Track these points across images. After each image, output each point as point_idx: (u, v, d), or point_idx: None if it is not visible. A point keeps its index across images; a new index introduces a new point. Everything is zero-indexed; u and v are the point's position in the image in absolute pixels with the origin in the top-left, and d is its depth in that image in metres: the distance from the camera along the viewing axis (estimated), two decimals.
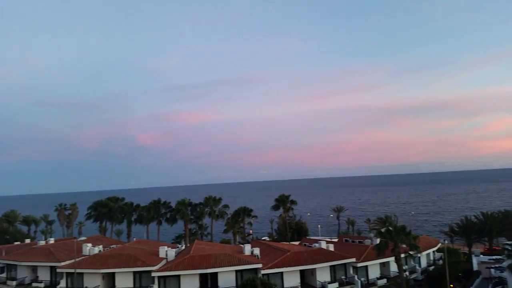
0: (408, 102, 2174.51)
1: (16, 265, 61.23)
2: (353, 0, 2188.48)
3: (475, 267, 66.89)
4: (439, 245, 69.97)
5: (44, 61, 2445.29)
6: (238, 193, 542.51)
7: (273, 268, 51.80)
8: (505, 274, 51.81)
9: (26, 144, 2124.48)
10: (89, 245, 63.55)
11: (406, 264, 59.00)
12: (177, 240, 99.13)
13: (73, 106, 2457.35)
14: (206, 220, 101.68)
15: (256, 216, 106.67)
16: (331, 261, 54.54)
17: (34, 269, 61.13)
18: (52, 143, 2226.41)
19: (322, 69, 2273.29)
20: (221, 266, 51.30)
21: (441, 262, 66.18)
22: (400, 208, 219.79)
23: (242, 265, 51.68)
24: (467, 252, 79.99)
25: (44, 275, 59.22)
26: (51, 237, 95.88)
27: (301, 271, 54.25)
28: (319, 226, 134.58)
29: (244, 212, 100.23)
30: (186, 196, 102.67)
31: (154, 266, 53.11)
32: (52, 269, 58.14)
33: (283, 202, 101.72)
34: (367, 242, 64.16)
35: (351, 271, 55.92)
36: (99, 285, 53.76)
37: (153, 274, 50.87)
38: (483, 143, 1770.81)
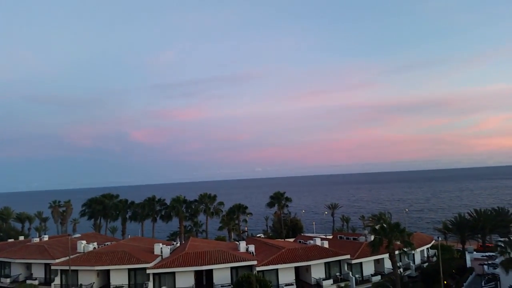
0: (403, 100, 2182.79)
1: (10, 262, 60.85)
2: None
3: (469, 263, 67.37)
4: (433, 242, 70.39)
5: (37, 57, 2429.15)
6: (233, 190, 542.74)
7: (268, 265, 51.93)
8: (498, 270, 52.21)
9: (19, 141, 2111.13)
10: (84, 242, 63.35)
11: (400, 261, 59.42)
12: (172, 237, 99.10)
13: (66, 102, 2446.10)
14: (201, 217, 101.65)
15: (251, 213, 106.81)
16: (326, 257, 54.78)
17: (28, 266, 60.81)
18: (46, 139, 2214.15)
19: (317, 66, 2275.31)
20: (216, 263, 51.37)
21: (435, 259, 66.66)
22: (394, 205, 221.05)
23: (237, 262, 51.78)
24: (461, 249, 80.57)
25: (39, 272, 58.90)
26: (45, 234, 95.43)
27: (296, 268, 54.43)
28: (313, 223, 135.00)
29: (239, 209, 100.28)
30: (181, 193, 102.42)
31: (149, 263, 53.06)
32: (47, 266, 57.84)
33: (278, 199, 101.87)
34: (362, 239, 64.51)
35: (346, 268, 56.20)
36: (93, 282, 53.69)
37: (148, 271, 50.86)
38: (477, 140, 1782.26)
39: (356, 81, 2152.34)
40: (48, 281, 56.87)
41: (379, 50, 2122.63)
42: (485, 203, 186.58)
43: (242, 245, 59.32)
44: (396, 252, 50.09)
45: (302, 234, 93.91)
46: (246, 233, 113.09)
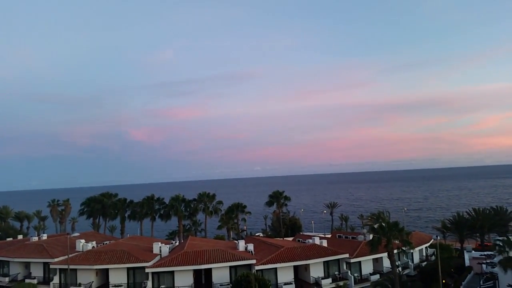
0: (402, 99, 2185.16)
1: (8, 261, 60.75)
2: None
3: (467, 262, 67.60)
4: (432, 241, 70.49)
5: (36, 56, 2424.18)
6: (232, 189, 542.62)
7: (267, 264, 51.96)
8: (496, 269, 52.35)
9: (17, 139, 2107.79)
10: (83, 241, 63.22)
11: (399, 260, 59.47)
12: (171, 236, 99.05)
13: (65, 101, 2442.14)
14: (200, 216, 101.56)
15: (250, 212, 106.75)
16: (325, 256, 54.84)
17: (27, 265, 60.73)
18: (44, 138, 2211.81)
19: (316, 65, 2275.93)
20: (215, 262, 51.36)
21: (433, 257, 66.78)
22: (393, 204, 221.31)
23: (236, 261, 51.77)
24: (459, 248, 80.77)
25: (37, 271, 58.81)
26: (44, 233, 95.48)
27: (295, 267, 54.46)
28: (312, 222, 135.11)
29: (238, 208, 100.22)
30: (179, 192, 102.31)
31: (148, 262, 53.00)
32: (45, 265, 57.76)
33: (277, 198, 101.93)
34: (360, 238, 64.52)
35: (345, 267, 56.26)
36: (92, 281, 53.63)
37: (147, 270, 50.82)
38: (476, 140, 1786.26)
39: (355, 80, 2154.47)
40: (47, 280, 56.81)
41: (377, 49, 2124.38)
42: (483, 202, 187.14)
43: (241, 244, 59.33)
44: (395, 251, 50.11)
45: (301, 233, 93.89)
46: (245, 232, 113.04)
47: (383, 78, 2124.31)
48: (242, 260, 52.01)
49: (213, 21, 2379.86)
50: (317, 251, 55.75)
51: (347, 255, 55.84)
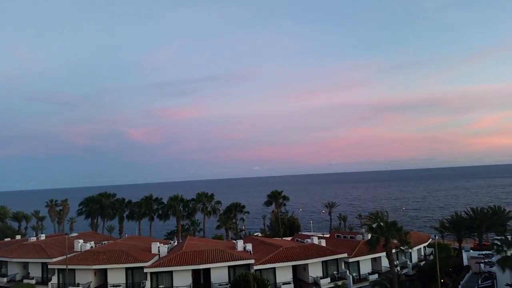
0: (399, 98, 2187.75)
1: (6, 261, 60.53)
2: None
3: (465, 262, 67.73)
4: (430, 240, 70.61)
5: (34, 56, 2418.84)
6: (230, 189, 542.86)
7: (266, 263, 51.95)
8: (494, 269, 52.45)
9: (15, 139, 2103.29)
10: (81, 241, 63.01)
11: (397, 259, 59.51)
12: (169, 236, 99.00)
13: (63, 101, 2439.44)
14: (199, 216, 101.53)
15: (248, 212, 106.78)
16: (323, 256, 54.84)
17: (25, 265, 60.54)
18: (42, 138, 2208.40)
19: (313, 65, 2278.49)
20: (214, 262, 51.30)
21: (432, 257, 66.86)
22: (391, 204, 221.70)
23: (234, 260, 51.72)
24: (458, 247, 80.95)
25: (36, 272, 58.68)
26: (42, 233, 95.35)
27: (294, 267, 54.45)
28: (311, 221, 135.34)
29: (236, 208, 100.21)
30: (178, 192, 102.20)
31: (147, 262, 52.92)
32: (44, 265, 57.64)
33: (275, 198, 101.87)
34: (359, 237, 64.57)
35: (343, 266, 56.27)
36: (91, 281, 53.52)
37: (145, 270, 50.73)
38: (474, 139, 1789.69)
39: (353, 80, 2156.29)
40: (45, 280, 56.68)
41: (376, 49, 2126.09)
42: (481, 202, 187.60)
43: (240, 244, 59.26)
44: (393, 250, 50.16)
45: (300, 233, 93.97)
46: (243, 232, 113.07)
47: (381, 78, 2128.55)
48: (241, 260, 51.96)
49: (212, 21, 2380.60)
50: (316, 251, 55.75)
51: (345, 255, 55.85)
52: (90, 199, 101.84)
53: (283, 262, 52.70)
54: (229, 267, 51.74)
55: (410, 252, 62.70)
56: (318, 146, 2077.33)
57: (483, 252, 67.42)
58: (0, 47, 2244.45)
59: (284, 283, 52.13)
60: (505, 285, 48.89)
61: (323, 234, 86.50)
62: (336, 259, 56.25)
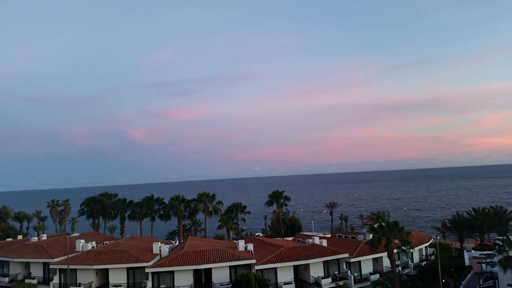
0: (399, 99, 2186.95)
1: (8, 261, 60.65)
2: None
3: (467, 262, 67.68)
4: (431, 240, 70.53)
5: (34, 56, 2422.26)
6: (231, 189, 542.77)
7: (267, 263, 51.91)
8: (496, 269, 52.40)
9: (17, 140, 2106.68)
10: (82, 241, 63.18)
11: (399, 260, 59.44)
12: (170, 236, 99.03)
13: (64, 102, 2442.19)
14: (200, 216, 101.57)
15: (249, 212, 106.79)
16: (325, 256, 54.77)
17: (26, 265, 60.65)
18: (44, 139, 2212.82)
19: (314, 66, 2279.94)
20: (215, 262, 51.30)
21: (433, 257, 66.79)
22: (393, 204, 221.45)
23: (236, 260, 51.72)
24: (459, 247, 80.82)
25: (37, 272, 58.75)
26: (43, 233, 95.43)
27: (295, 267, 54.41)
28: (312, 222, 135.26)
29: (238, 208, 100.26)
30: (179, 192, 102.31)
31: (148, 262, 52.96)
32: (45, 265, 57.67)
33: (277, 198, 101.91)
34: (360, 237, 64.54)
35: (344, 266, 56.22)
36: (92, 281, 53.56)
37: (146, 270, 50.74)
38: (474, 139, 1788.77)
39: (354, 80, 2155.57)
40: (46, 280, 56.72)
41: (377, 49, 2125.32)
42: (483, 202, 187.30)
43: (241, 244, 59.27)
44: (395, 250, 50.13)
45: (301, 233, 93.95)
46: (244, 232, 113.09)
47: (381, 78, 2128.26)
48: (242, 260, 51.95)
49: (212, 22, 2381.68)
50: (317, 251, 55.71)
51: (347, 255, 55.80)
52: (91, 199, 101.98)
53: (284, 262, 52.66)
54: (230, 267, 51.73)
55: (412, 252, 62.63)
56: (319, 146, 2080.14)
57: (485, 252, 67.46)
58: (1, 47, 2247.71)
59: (286, 283, 52.07)
60: (507, 285, 48.86)
61: (324, 234, 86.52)
62: (338, 259, 56.19)
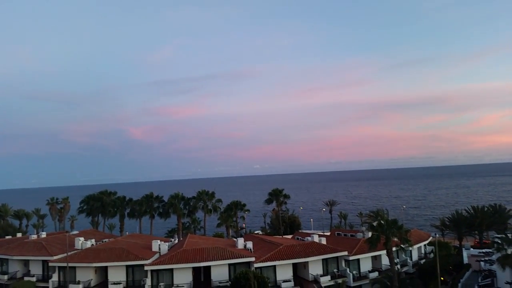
0: (400, 97, 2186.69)
1: (7, 259, 60.64)
2: None
3: (466, 260, 67.77)
4: (430, 238, 70.66)
5: (34, 54, 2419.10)
6: (231, 187, 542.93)
7: (266, 261, 51.99)
8: (494, 267, 52.47)
9: (16, 138, 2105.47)
10: (82, 239, 63.20)
11: (398, 257, 59.51)
12: (170, 234, 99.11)
13: (64, 100, 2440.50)
14: (199, 214, 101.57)
15: (249, 210, 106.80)
16: (323, 254, 54.85)
17: (26, 263, 60.67)
18: (44, 137, 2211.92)
19: (314, 64, 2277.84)
20: (214, 260, 51.38)
21: (432, 255, 66.89)
22: (392, 202, 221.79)
23: (235, 258, 51.81)
24: (458, 245, 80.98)
25: (36, 269, 58.81)
26: (43, 231, 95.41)
27: (294, 264, 54.50)
28: (311, 220, 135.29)
29: (237, 206, 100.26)
30: (178, 190, 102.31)
31: (147, 259, 53.05)
32: (44, 263, 57.72)
33: (276, 196, 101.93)
34: (359, 235, 64.58)
35: (343, 264, 56.32)
36: (91, 279, 53.65)
37: (146, 268, 50.82)
38: (474, 138, 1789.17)
39: (354, 79, 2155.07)
40: (45, 278, 56.78)
41: (376, 47, 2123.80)
42: (482, 200, 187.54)
43: (240, 242, 59.31)
44: (394, 248, 50.21)
45: (300, 231, 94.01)
46: (244, 230, 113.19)
47: (382, 76, 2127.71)
48: (241, 257, 52.05)
49: (212, 20, 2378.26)
50: (316, 249, 55.79)
51: (346, 253, 55.86)
52: (91, 197, 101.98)
53: (283, 260, 52.74)
54: (229, 265, 51.83)
55: (411, 250, 62.67)
56: (319, 144, 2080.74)
57: (484, 250, 67.50)
58: (1, 45, 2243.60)
59: (285, 281, 52.16)
60: (505, 283, 48.90)
61: (323, 232, 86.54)
62: (337, 257, 56.28)
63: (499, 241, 49.67)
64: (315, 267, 54.50)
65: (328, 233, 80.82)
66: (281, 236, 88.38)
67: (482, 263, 60.59)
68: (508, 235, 51.18)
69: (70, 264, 52.61)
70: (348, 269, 55.39)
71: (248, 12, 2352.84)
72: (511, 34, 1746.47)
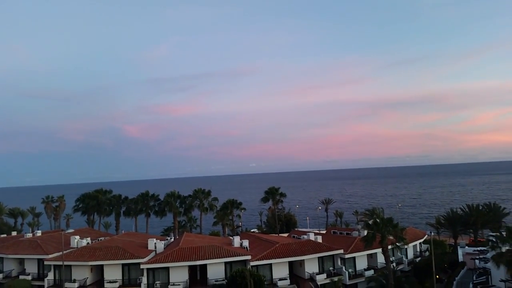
0: (396, 95, 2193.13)
1: (2, 258, 60.46)
2: None
3: (461, 258, 68.13)
4: (426, 237, 70.96)
5: (30, 52, 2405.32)
6: (227, 185, 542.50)
7: (262, 259, 52.07)
8: (489, 265, 52.72)
9: (11, 136, 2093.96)
10: (77, 237, 63.02)
11: (393, 256, 59.79)
12: (166, 233, 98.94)
13: (59, 98, 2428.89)
14: (195, 213, 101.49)
15: (245, 209, 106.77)
16: (319, 252, 55.04)
17: (21, 261, 60.49)
18: (39, 135, 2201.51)
19: (310, 62, 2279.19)
20: (210, 258, 51.38)
21: (427, 253, 67.22)
22: (387, 201, 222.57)
23: (231, 257, 51.87)
24: (453, 243, 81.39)
25: (32, 268, 58.64)
26: (38, 229, 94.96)
27: (290, 263, 54.65)
28: (307, 218, 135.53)
29: (233, 205, 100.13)
30: (174, 189, 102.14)
31: (143, 258, 52.95)
32: (40, 261, 57.58)
33: (272, 194, 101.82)
34: (355, 234, 64.81)
35: (339, 262, 56.49)
36: (87, 278, 53.50)
37: (142, 266, 50.78)
38: (469, 136, 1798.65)
39: (350, 77, 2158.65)
40: (41, 276, 56.57)
41: (373, 46, 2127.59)
42: (477, 199, 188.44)
43: (236, 240, 59.32)
44: (389, 246, 50.39)
45: (296, 229, 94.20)
46: (240, 228, 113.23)
47: (379, 74, 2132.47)
48: (237, 256, 52.09)
49: (209, 18, 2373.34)
50: (312, 247, 55.92)
51: (341, 251, 56.07)
52: (86, 196, 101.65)
53: (279, 258, 52.86)
54: (225, 263, 51.89)
55: (406, 249, 63.04)
56: (315, 143, 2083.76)
57: (478, 248, 67.89)
58: None
59: (281, 279, 52.27)
60: (500, 280, 49.22)
61: (319, 231, 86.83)
62: (332, 255, 56.45)
63: (494, 239, 49.94)
64: (311, 265, 54.64)
65: (324, 231, 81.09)
66: (277, 235, 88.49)
67: (477, 261, 60.87)
68: (503, 233, 51.46)
69: (66, 263, 52.39)
70: (344, 267, 55.56)
71: (246, 10, 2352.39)
72: (507, 32, 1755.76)
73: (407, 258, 63.83)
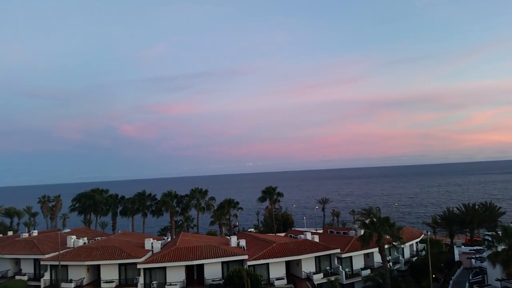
0: (393, 95, 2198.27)
1: None
2: None
3: (457, 257, 68.31)
4: (422, 236, 71.12)
5: (27, 51, 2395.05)
6: (224, 185, 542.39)
7: (259, 259, 52.11)
8: (485, 264, 52.97)
9: (7, 135, 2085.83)
10: (74, 237, 62.87)
11: (390, 255, 59.91)
12: (163, 232, 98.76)
13: (57, 97, 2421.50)
14: (192, 212, 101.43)
15: (242, 208, 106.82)
16: (316, 252, 55.12)
17: (17, 261, 60.24)
18: (35, 134, 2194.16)
19: (308, 61, 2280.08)
20: (207, 258, 51.35)
21: (424, 253, 67.38)
22: (384, 200, 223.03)
23: (228, 256, 51.85)
24: (449, 243, 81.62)
25: (28, 268, 58.40)
26: (34, 229, 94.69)
27: (287, 262, 54.68)
28: (304, 217, 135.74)
29: (230, 204, 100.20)
30: (171, 188, 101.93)
31: (140, 258, 52.90)
32: (36, 261, 57.32)
33: (270, 194, 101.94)
34: (352, 233, 64.86)
35: (336, 262, 56.60)
36: (84, 278, 53.37)
37: (138, 266, 50.69)
38: (466, 136, 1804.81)
39: (347, 76, 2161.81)
40: (37, 276, 56.39)
41: (370, 45, 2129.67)
42: (473, 198, 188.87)
43: (233, 240, 59.34)
44: (386, 246, 50.49)
45: (293, 229, 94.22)
46: (237, 227, 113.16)
47: (376, 74, 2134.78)
48: (234, 255, 52.08)
49: (207, 17, 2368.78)
50: (309, 247, 55.99)
51: (338, 250, 56.12)
52: (83, 195, 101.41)
53: (276, 257, 52.90)
54: (222, 263, 51.85)
55: (403, 248, 63.14)
56: (313, 142, 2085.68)
57: (474, 248, 68.05)
58: None
59: (278, 279, 52.30)
60: (496, 280, 49.48)
61: (316, 230, 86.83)
62: (329, 255, 56.55)
63: (490, 239, 50.12)
64: (308, 265, 54.73)
65: (321, 231, 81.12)
66: (274, 234, 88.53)
67: (473, 260, 61.09)
68: (499, 232, 51.70)
69: (62, 263, 52.20)
70: (340, 267, 55.65)
71: (244, 9, 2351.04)
72: (504, 32, 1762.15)
73: (403, 257, 63.95)
